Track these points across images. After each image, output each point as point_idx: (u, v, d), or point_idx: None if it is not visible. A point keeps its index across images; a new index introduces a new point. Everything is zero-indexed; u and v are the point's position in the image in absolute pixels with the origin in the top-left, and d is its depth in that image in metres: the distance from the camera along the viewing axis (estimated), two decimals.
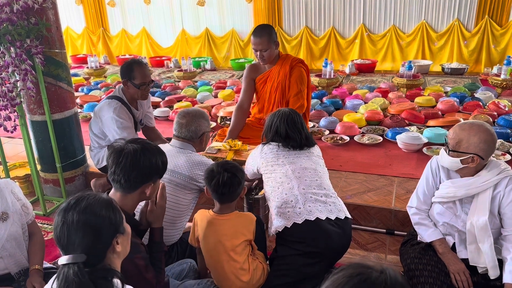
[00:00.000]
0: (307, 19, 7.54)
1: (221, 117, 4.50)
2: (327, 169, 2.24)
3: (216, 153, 2.78)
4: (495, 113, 4.21)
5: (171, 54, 8.55)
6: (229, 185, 1.86)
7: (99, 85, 6.27)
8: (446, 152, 1.88)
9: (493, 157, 1.90)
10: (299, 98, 3.23)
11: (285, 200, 2.00)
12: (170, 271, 1.97)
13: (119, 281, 1.19)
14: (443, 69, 6.71)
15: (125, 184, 1.57)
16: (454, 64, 6.74)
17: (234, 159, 2.67)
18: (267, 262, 2.07)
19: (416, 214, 2.04)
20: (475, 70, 6.77)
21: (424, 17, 6.92)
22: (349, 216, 2.05)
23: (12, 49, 2.65)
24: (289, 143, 2.18)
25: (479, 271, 1.85)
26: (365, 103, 4.87)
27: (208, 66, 7.80)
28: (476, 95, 5.07)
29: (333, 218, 1.95)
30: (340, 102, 4.99)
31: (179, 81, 6.53)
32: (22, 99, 2.86)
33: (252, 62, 3.96)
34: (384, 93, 5.25)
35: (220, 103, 5.01)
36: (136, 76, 2.85)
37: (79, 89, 6.09)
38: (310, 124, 4.19)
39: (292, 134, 2.18)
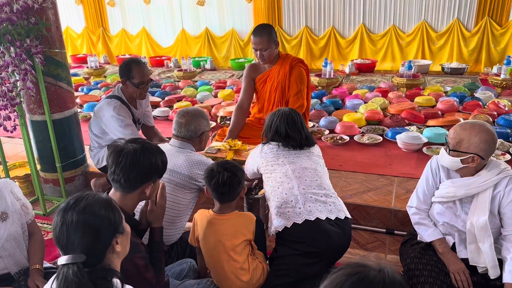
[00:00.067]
0: (307, 18, 7.54)
1: (221, 117, 4.49)
2: (327, 169, 2.24)
3: (216, 153, 2.77)
4: (495, 113, 4.21)
5: (171, 54, 8.55)
6: (229, 185, 1.85)
7: (99, 85, 6.28)
8: (446, 151, 1.88)
9: (493, 157, 1.90)
10: (299, 98, 3.23)
11: (285, 200, 2.00)
12: (170, 270, 1.96)
13: (118, 281, 1.19)
14: (443, 69, 6.71)
15: (125, 184, 1.57)
16: (454, 64, 6.74)
17: (234, 159, 2.67)
18: (267, 262, 2.07)
19: (416, 214, 2.04)
20: (475, 70, 6.77)
21: (424, 17, 6.91)
22: (349, 216, 2.05)
23: (12, 48, 2.65)
24: (289, 142, 2.18)
25: (479, 271, 1.85)
26: (365, 102, 4.87)
27: (208, 66, 7.80)
28: (476, 95, 5.07)
29: (333, 218, 1.95)
30: (340, 102, 4.99)
31: (179, 81, 6.53)
32: (22, 99, 2.86)
33: (252, 62, 3.96)
34: (384, 93, 5.25)
35: (220, 103, 5.01)
36: (134, 75, 2.85)
37: (79, 89, 6.10)
38: (310, 123, 4.19)
39: (292, 134, 2.17)
